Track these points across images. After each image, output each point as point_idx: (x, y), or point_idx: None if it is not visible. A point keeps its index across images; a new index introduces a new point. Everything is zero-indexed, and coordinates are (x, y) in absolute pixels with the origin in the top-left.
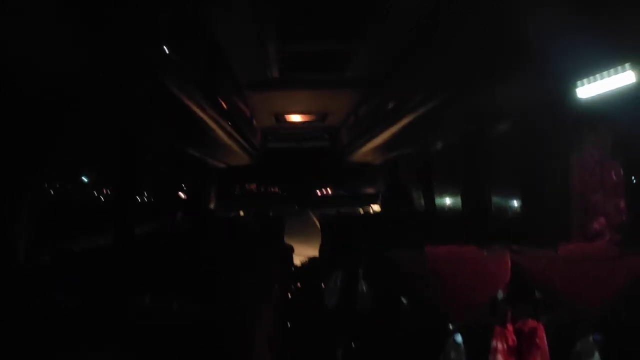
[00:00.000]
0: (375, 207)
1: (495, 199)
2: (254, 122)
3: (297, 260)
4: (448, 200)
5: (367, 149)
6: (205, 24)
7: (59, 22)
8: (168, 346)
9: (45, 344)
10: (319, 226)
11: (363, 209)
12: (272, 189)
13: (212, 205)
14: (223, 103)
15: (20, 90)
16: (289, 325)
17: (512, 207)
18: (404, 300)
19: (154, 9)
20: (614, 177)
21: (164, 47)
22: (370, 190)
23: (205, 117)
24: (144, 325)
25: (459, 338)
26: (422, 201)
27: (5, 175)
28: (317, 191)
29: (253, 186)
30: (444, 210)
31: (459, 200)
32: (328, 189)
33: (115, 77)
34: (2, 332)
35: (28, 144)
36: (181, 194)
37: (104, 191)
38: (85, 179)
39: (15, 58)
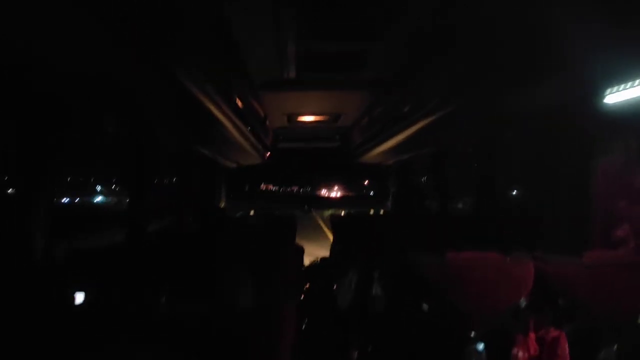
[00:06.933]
0: (387, 208)
1: (516, 204)
2: (267, 123)
3: (307, 260)
4: (463, 204)
5: (380, 151)
6: (224, 24)
7: (73, 21)
8: (190, 349)
9: (59, 342)
10: (325, 228)
11: (374, 210)
12: (282, 189)
13: (222, 205)
14: (239, 103)
15: (33, 90)
16: (303, 326)
17: (533, 213)
18: (425, 306)
19: (171, 7)
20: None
21: (182, 46)
22: (381, 191)
23: (221, 117)
24: (165, 326)
25: (480, 346)
26: (435, 203)
27: (19, 174)
28: (328, 191)
29: (263, 186)
30: (458, 213)
31: (475, 203)
32: (338, 189)
33: (130, 75)
34: (16, 330)
35: (42, 144)
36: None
37: (117, 190)
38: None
39: (30, 58)
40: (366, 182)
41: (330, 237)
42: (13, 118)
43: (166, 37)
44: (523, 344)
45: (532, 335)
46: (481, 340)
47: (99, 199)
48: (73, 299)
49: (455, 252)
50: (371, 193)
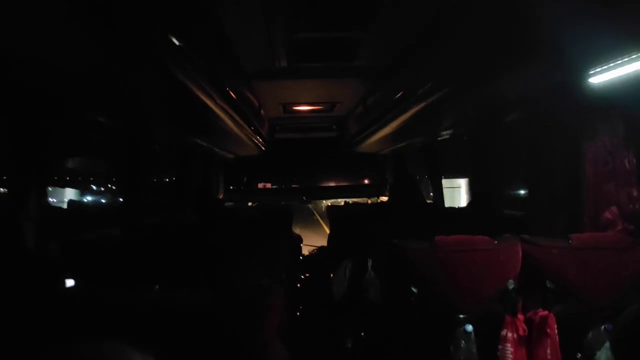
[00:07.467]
0: (383, 198)
1: (506, 189)
2: (262, 112)
3: (305, 249)
4: (457, 191)
5: (375, 139)
6: (213, 13)
7: (64, 14)
8: (178, 335)
9: (53, 333)
10: (321, 221)
11: (370, 200)
12: (280, 180)
13: (220, 196)
14: (232, 93)
15: (22, 85)
16: (298, 315)
17: (522, 197)
18: (414, 290)
19: None
20: (627, 165)
21: (172, 36)
22: (379, 181)
23: (214, 107)
24: (154, 314)
25: (469, 327)
26: (431, 192)
27: (13, 168)
28: (326, 181)
29: (260, 178)
30: (453, 201)
31: (468, 190)
32: (336, 179)
33: (121, 68)
34: (10, 322)
35: (36, 135)
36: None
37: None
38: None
39: (18, 54)
40: (364, 172)
41: (325, 227)
42: (4, 113)
43: (155, 28)
44: (512, 325)
45: (520, 317)
46: (470, 322)
47: (92, 194)
48: (65, 290)
49: (443, 236)
50: (369, 182)
